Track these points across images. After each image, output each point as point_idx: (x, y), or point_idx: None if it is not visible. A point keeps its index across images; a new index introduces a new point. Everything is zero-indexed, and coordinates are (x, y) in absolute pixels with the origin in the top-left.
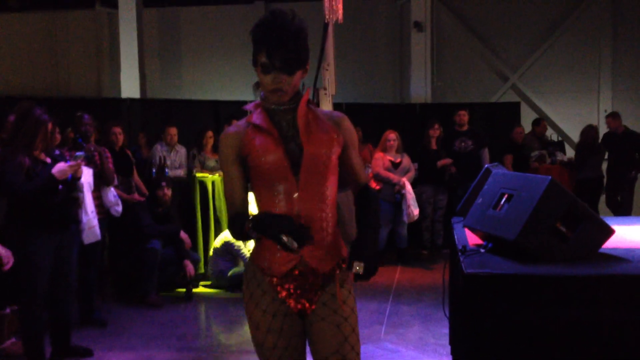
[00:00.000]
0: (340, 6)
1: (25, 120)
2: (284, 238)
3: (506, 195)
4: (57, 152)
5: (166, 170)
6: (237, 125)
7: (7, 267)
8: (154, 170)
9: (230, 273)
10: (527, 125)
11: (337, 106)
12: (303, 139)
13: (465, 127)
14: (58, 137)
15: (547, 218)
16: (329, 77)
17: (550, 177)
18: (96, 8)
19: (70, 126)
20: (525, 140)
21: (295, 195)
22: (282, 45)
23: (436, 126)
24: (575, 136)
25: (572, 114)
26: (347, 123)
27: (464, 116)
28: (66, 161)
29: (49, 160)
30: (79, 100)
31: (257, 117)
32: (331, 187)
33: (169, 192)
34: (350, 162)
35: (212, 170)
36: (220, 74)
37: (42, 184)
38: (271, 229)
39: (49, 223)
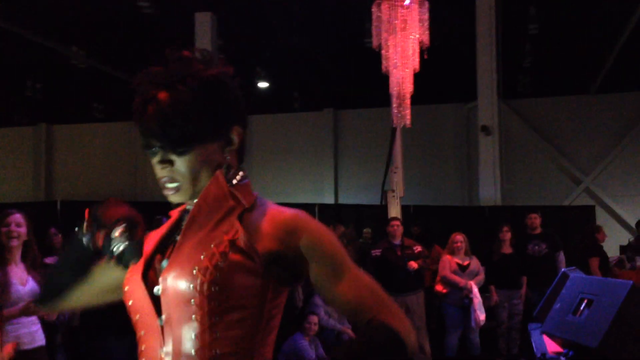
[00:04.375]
0: (409, 112)
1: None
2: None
3: (586, 300)
4: None
5: None
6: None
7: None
8: None
9: None
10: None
11: (405, 208)
12: (174, 250)
13: (538, 231)
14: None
15: (630, 324)
16: (397, 179)
17: (631, 282)
18: None
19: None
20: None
21: (161, 354)
22: (157, 111)
23: (505, 229)
24: None
25: None
26: (304, 227)
27: (535, 219)
28: None
29: None
30: (156, 204)
31: (165, 220)
32: (229, 339)
33: None
34: (326, 288)
35: None
36: (290, 177)
37: None
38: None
39: (123, 324)
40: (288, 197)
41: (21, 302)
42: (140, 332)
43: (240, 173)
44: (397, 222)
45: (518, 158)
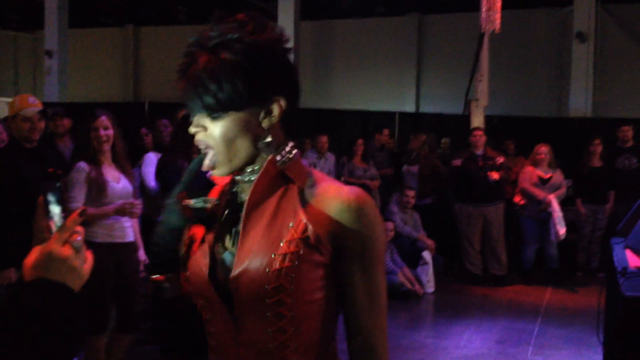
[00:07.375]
0: (498, 16)
1: (184, 127)
2: None
3: None
4: None
5: None
6: None
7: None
8: None
9: None
10: None
11: (489, 118)
12: (239, 244)
13: (630, 144)
14: None
15: None
16: (482, 88)
17: None
18: None
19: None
20: None
21: (235, 342)
22: (195, 75)
23: (596, 142)
24: None
25: None
26: (359, 216)
27: (627, 132)
28: None
29: None
30: None
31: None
32: (304, 334)
33: None
34: (348, 288)
35: (360, 179)
36: (370, 85)
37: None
38: None
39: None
40: (368, 104)
41: (116, 199)
42: (207, 316)
43: (288, 146)
44: (480, 132)
45: (613, 67)
